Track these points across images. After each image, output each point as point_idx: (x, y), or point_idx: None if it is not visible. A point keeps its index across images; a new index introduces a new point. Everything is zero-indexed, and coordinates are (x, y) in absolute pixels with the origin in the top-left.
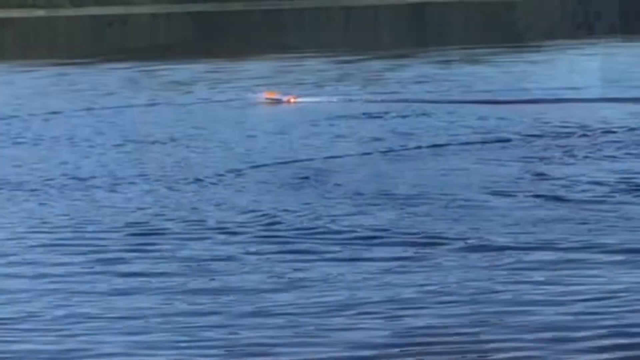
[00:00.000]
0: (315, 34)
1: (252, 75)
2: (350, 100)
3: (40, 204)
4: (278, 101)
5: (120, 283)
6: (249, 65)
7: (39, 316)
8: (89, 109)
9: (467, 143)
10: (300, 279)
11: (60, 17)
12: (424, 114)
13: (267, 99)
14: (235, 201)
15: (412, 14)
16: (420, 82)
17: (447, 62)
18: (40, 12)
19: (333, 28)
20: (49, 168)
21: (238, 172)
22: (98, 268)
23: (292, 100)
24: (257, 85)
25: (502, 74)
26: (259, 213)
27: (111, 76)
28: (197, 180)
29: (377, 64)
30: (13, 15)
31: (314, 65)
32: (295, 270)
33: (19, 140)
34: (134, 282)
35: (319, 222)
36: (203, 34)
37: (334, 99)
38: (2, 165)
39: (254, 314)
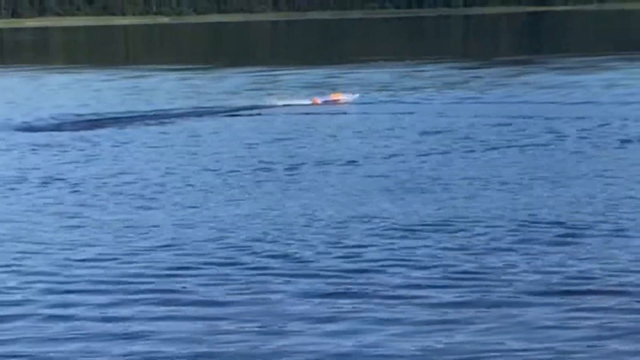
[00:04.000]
0: (435, 41)
1: (372, 81)
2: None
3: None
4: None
5: None
6: (369, 70)
7: None
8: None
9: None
10: None
11: (184, 24)
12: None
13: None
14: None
15: (530, 22)
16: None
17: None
18: (164, 20)
19: (453, 35)
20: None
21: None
22: None
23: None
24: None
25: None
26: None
27: (232, 79)
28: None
29: (495, 71)
30: (139, 22)
31: (432, 71)
32: None
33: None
34: None
35: None
36: (322, 41)
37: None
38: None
39: None
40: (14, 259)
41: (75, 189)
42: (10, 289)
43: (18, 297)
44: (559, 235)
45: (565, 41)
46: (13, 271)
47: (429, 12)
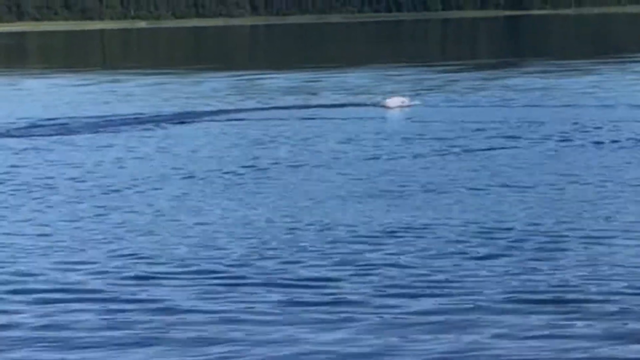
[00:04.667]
0: (414, 45)
1: (351, 85)
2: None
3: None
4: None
5: None
6: (348, 74)
7: None
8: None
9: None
10: None
11: (161, 28)
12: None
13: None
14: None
15: (509, 26)
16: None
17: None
18: (142, 24)
19: (432, 39)
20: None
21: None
22: None
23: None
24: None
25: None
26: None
27: (209, 84)
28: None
29: (474, 74)
30: (116, 26)
31: (412, 74)
32: None
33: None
34: None
35: None
36: (302, 45)
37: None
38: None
39: None
40: None
41: (50, 193)
42: None
43: None
44: (536, 241)
45: (543, 45)
46: None
47: (407, 16)
